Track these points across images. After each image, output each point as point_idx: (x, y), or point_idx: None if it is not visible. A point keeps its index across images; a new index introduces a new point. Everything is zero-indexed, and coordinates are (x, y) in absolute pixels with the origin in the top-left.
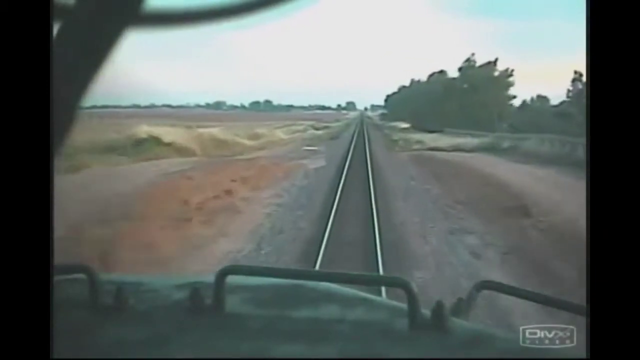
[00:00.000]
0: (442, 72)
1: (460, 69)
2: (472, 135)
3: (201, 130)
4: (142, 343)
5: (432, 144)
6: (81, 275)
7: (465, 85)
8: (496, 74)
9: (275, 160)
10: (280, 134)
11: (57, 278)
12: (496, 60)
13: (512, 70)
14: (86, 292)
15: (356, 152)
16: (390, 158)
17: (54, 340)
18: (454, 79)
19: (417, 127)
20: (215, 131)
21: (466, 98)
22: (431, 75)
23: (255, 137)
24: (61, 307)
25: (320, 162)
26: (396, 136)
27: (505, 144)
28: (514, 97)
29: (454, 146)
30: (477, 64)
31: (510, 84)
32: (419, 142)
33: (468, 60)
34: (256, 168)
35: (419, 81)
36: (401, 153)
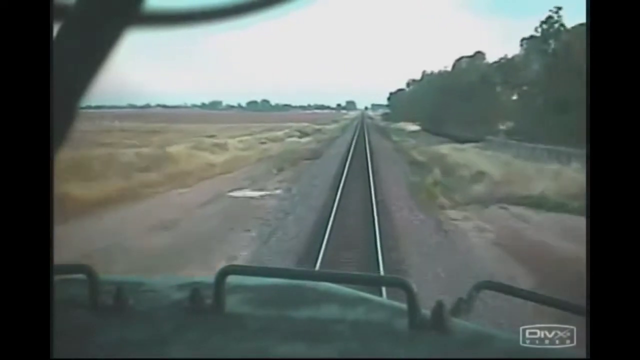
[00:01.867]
0: (477, 54)
1: (523, 42)
2: (575, 157)
3: None
4: (142, 343)
5: (515, 188)
6: (81, 275)
7: (527, 75)
8: None
9: None
10: (232, 149)
11: (57, 278)
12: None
13: None
14: (86, 292)
15: (346, 214)
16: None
17: (54, 340)
18: (511, 59)
19: (432, 130)
20: None
21: (538, 89)
22: (458, 60)
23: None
24: (61, 307)
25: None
26: (421, 155)
27: None
28: None
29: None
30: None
31: None
32: (477, 174)
33: (548, 21)
34: None
35: (431, 73)
36: (470, 235)
